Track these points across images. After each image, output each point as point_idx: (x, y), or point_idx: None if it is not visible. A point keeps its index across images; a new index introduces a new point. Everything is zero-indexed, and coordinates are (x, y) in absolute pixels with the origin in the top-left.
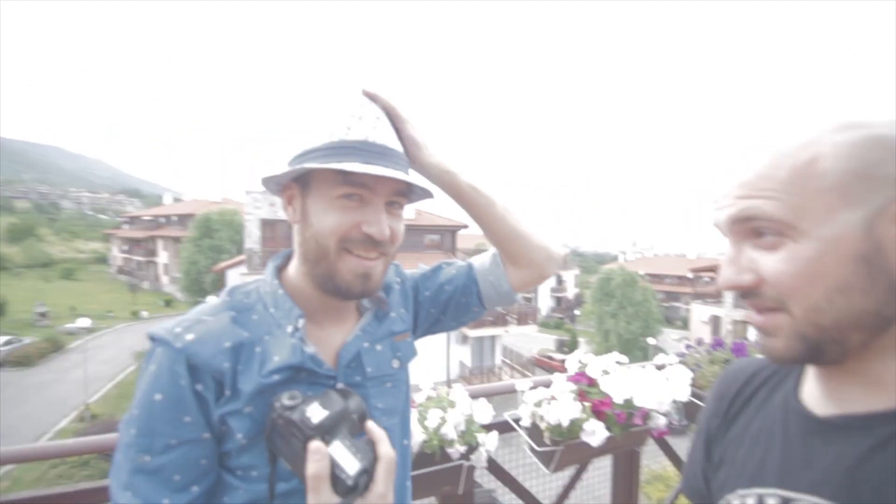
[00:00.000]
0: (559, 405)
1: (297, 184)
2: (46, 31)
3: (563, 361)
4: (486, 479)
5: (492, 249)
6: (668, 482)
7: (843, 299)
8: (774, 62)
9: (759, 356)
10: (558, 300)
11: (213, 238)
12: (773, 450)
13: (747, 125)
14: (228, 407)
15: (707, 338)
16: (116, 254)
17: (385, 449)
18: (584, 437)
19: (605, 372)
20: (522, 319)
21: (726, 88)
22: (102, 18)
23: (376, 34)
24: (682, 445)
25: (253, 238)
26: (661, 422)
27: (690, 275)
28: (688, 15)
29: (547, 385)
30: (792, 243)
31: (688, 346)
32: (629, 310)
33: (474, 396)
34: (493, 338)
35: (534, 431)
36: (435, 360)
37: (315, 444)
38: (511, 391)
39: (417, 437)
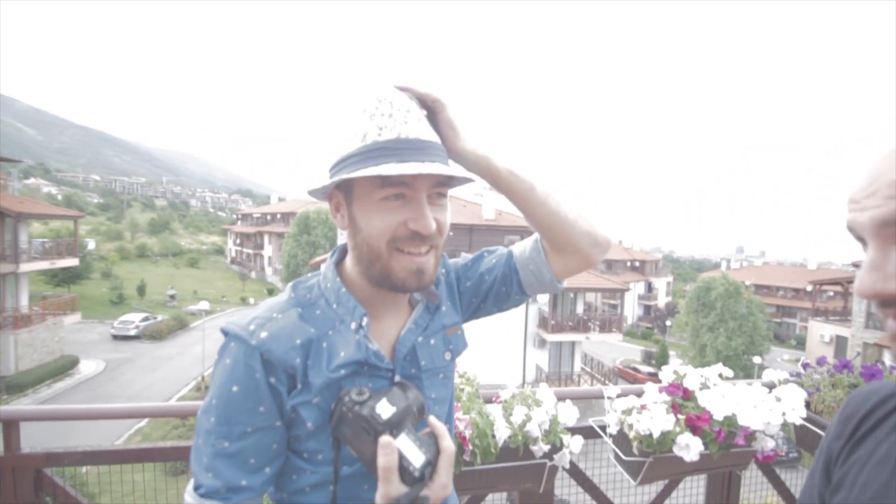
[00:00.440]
0: (651, 415)
1: (341, 191)
2: (184, 51)
3: (651, 375)
4: (564, 492)
5: (534, 235)
6: None
7: None
8: (774, 62)
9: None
10: (647, 308)
11: (310, 234)
12: None
13: (746, 125)
14: (299, 398)
15: (829, 360)
16: (231, 246)
17: (447, 443)
18: (677, 451)
19: (704, 385)
20: (605, 326)
21: (725, 88)
22: (222, 36)
23: (386, 35)
24: (789, 479)
25: (344, 235)
26: (767, 444)
27: (809, 287)
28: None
29: (638, 394)
30: None
31: (805, 366)
32: (731, 324)
33: (560, 398)
34: (572, 343)
35: (621, 440)
36: (511, 362)
37: (385, 439)
38: (598, 397)
39: (502, 431)
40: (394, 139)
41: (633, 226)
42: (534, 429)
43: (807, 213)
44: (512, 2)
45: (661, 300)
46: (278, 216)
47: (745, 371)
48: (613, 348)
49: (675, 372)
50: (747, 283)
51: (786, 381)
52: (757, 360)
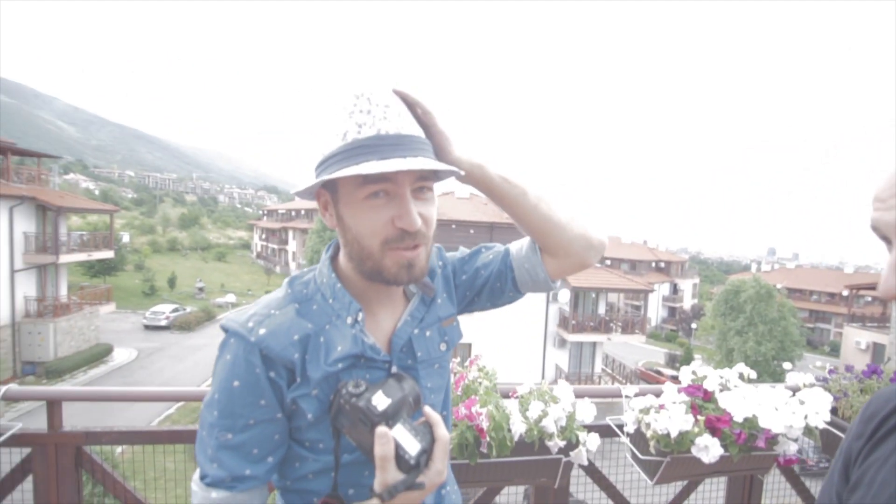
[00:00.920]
0: (669, 415)
1: (327, 190)
2: (211, 57)
3: (674, 378)
4: (580, 493)
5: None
6: None
7: None
8: (774, 62)
9: None
10: (672, 310)
11: (333, 231)
12: None
13: (747, 125)
14: (299, 391)
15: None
16: (256, 241)
17: (441, 432)
18: (695, 452)
19: (725, 387)
20: (628, 328)
21: (725, 88)
22: (252, 40)
23: (379, 33)
24: (819, 488)
25: None
26: (790, 448)
27: (845, 292)
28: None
29: (657, 394)
30: None
31: (831, 371)
32: (761, 328)
33: (578, 396)
34: (593, 344)
35: (638, 439)
36: (530, 361)
37: (381, 430)
38: (616, 396)
39: (518, 426)
40: (374, 136)
41: (659, 226)
42: (549, 424)
43: (843, 214)
44: (511, 1)
45: (687, 302)
46: (302, 212)
47: (775, 377)
48: (636, 350)
49: (694, 373)
50: (779, 285)
51: (811, 385)
52: (787, 365)
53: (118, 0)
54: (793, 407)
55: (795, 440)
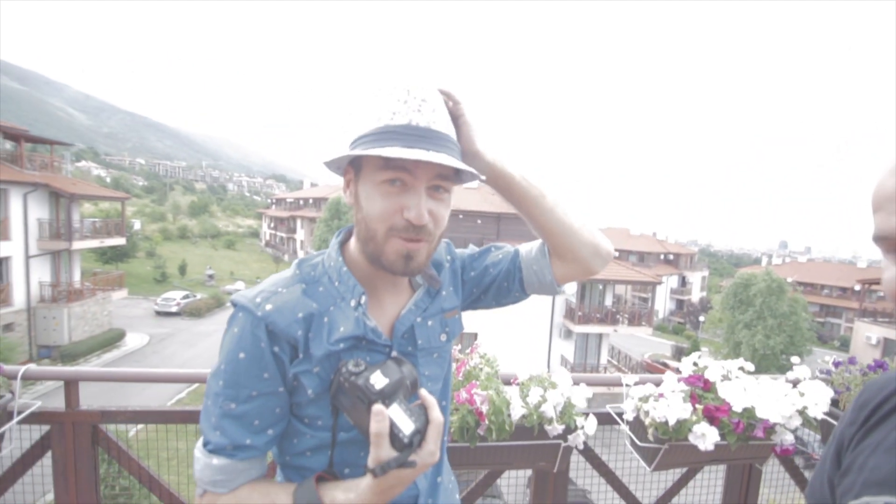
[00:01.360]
0: (667, 403)
1: (353, 167)
2: (223, 48)
3: (678, 370)
4: (580, 479)
5: (541, 239)
6: None
7: None
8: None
9: None
10: (680, 303)
11: (341, 220)
12: None
13: (758, 120)
14: (301, 367)
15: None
16: (265, 230)
17: (435, 414)
18: (693, 440)
19: (725, 378)
20: (635, 320)
21: (734, 84)
22: (263, 27)
23: (387, 32)
24: None
25: None
26: (787, 438)
27: (857, 286)
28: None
29: (657, 383)
30: None
31: (836, 363)
32: (770, 322)
33: (577, 383)
34: (599, 336)
35: (637, 426)
36: (536, 352)
37: (378, 407)
38: (617, 384)
39: (517, 410)
40: (404, 125)
41: (669, 218)
42: (548, 409)
43: (856, 209)
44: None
45: (696, 295)
46: (310, 201)
47: (783, 371)
48: (642, 342)
49: (695, 363)
50: (789, 279)
51: (812, 378)
52: (795, 360)
53: None
54: (792, 399)
55: (793, 431)
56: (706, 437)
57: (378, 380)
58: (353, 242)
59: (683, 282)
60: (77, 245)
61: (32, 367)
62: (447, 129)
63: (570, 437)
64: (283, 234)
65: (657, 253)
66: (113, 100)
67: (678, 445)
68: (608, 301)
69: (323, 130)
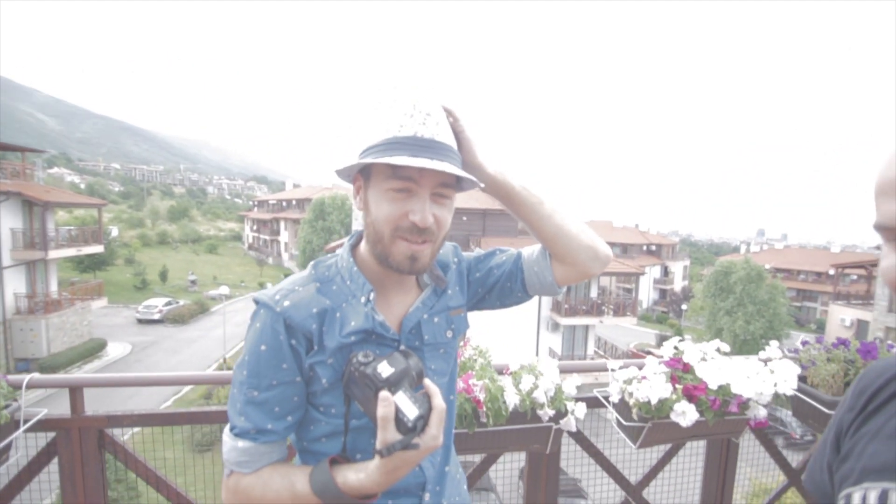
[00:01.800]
0: (649, 384)
1: (362, 175)
2: (196, 46)
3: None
4: (570, 470)
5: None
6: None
7: None
8: (774, 62)
9: None
10: (663, 292)
11: (325, 220)
12: None
13: (747, 124)
14: (316, 358)
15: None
16: (248, 233)
17: (438, 401)
18: (674, 417)
19: (703, 359)
20: (620, 310)
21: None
22: (239, 27)
23: (390, 32)
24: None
25: (359, 221)
26: (760, 412)
27: (832, 271)
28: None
29: (640, 366)
30: None
31: (804, 343)
32: (750, 308)
33: (565, 371)
34: (586, 327)
35: (622, 407)
36: (524, 345)
37: (384, 394)
38: (602, 369)
39: (511, 397)
40: (410, 136)
41: (650, 209)
42: (540, 395)
43: (831, 196)
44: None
45: (678, 284)
46: (294, 202)
47: None
48: (627, 332)
49: (676, 347)
50: (767, 266)
51: (781, 358)
52: (774, 344)
53: None
54: (763, 376)
55: (765, 406)
56: (686, 414)
57: (385, 369)
58: (363, 245)
59: (666, 272)
60: (53, 254)
61: (37, 375)
62: (449, 140)
63: (561, 421)
64: (267, 237)
65: (640, 244)
66: (85, 104)
67: (661, 423)
68: (593, 293)
69: (306, 131)
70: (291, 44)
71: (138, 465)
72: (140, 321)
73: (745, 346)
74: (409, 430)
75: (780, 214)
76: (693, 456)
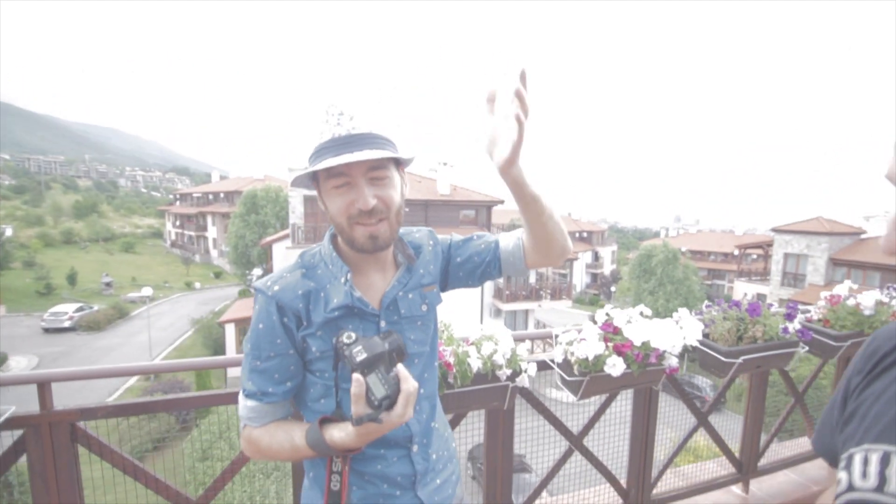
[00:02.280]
0: (587, 343)
1: (314, 182)
2: (99, 23)
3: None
4: (517, 448)
5: (517, 232)
6: (696, 452)
7: None
8: (774, 61)
9: None
10: (594, 276)
11: (258, 214)
12: None
13: (747, 124)
14: (306, 332)
15: None
16: (170, 229)
17: (406, 385)
18: (607, 370)
19: (629, 322)
20: (556, 294)
21: (726, 86)
22: (151, 12)
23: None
24: (717, 420)
25: (297, 213)
26: (672, 362)
27: (736, 251)
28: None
29: (579, 331)
30: None
31: (707, 306)
32: (668, 287)
33: (520, 339)
34: (526, 312)
35: (565, 366)
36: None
37: (356, 376)
38: (548, 337)
39: (475, 361)
40: (329, 139)
41: (581, 199)
42: (499, 358)
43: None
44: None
45: (607, 268)
46: (221, 195)
47: None
48: (563, 314)
49: (607, 314)
50: (683, 249)
51: (688, 317)
52: (683, 310)
53: None
54: (675, 332)
55: (677, 356)
56: (616, 366)
57: (359, 354)
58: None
59: (596, 257)
60: None
61: (0, 374)
62: (369, 126)
63: (517, 379)
64: (192, 233)
65: (572, 231)
66: None
67: (597, 376)
68: (532, 279)
69: (234, 121)
70: (210, 31)
71: (114, 455)
72: (47, 330)
73: None
74: (375, 408)
75: (694, 200)
76: (623, 403)
